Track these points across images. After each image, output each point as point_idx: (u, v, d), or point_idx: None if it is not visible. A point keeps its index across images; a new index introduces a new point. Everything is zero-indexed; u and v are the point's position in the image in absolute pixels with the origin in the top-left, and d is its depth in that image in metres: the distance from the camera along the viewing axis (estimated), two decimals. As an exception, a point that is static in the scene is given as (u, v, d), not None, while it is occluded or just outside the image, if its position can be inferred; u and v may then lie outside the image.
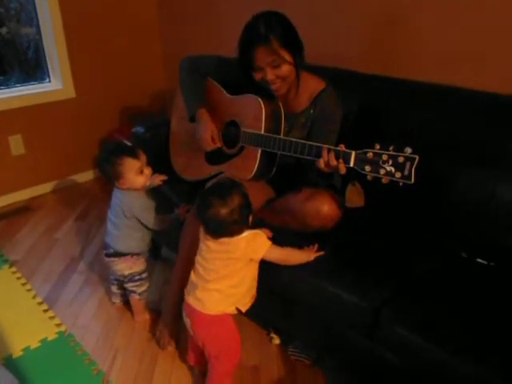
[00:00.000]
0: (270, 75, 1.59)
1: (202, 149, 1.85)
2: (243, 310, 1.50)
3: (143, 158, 1.76)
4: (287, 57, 1.57)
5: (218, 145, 1.83)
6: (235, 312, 1.49)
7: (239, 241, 1.39)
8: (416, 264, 1.54)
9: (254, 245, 1.40)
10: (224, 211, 1.33)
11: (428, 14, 1.86)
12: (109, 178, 1.75)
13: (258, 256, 1.42)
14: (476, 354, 1.20)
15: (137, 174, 1.73)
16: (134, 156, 1.73)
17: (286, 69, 1.59)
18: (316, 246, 1.55)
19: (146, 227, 1.82)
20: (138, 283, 1.89)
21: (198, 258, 1.48)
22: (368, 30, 2.09)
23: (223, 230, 1.38)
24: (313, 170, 1.53)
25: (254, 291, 1.52)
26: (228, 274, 1.42)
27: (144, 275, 1.91)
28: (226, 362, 1.51)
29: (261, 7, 1.60)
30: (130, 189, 1.76)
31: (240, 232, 1.39)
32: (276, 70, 1.59)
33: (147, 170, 1.77)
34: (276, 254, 1.45)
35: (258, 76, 1.63)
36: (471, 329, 1.27)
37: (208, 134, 1.79)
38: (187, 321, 1.52)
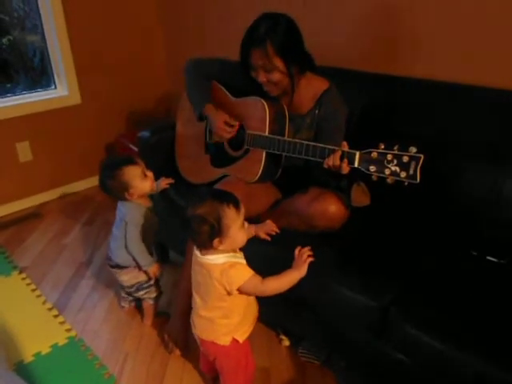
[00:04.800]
0: (262, 77, 1.62)
1: (223, 140, 1.84)
2: (240, 340, 1.40)
3: (141, 162, 1.76)
4: (280, 65, 1.58)
5: (236, 126, 1.78)
6: (227, 343, 1.38)
7: (214, 267, 1.29)
8: (425, 262, 1.54)
9: (227, 277, 1.27)
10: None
11: (432, 9, 1.85)
12: (116, 193, 1.74)
13: (232, 288, 1.28)
14: (487, 352, 1.20)
15: (142, 180, 1.73)
16: (133, 162, 1.73)
17: (277, 76, 1.61)
18: (306, 249, 1.37)
19: (125, 243, 1.77)
20: (147, 290, 1.89)
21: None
22: (370, 28, 2.08)
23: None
24: (323, 171, 1.52)
25: (252, 318, 1.44)
26: (212, 303, 1.34)
27: (152, 281, 1.89)
28: (234, 380, 1.49)
29: (263, 10, 1.60)
30: (138, 199, 1.76)
31: (196, 243, 1.32)
32: (268, 74, 1.61)
33: (149, 173, 1.77)
34: (256, 287, 1.30)
35: (253, 74, 1.66)
36: (482, 327, 1.26)
37: (221, 122, 1.77)
38: (195, 333, 1.47)
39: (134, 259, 1.79)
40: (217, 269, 1.28)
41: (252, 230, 1.53)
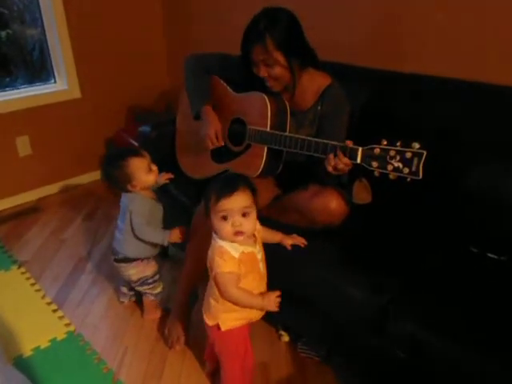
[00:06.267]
0: (263, 72, 1.62)
1: (205, 146, 1.84)
2: (222, 328, 1.39)
3: (147, 155, 1.76)
4: (281, 59, 1.58)
5: (221, 143, 1.81)
6: (210, 324, 1.41)
7: (212, 247, 1.34)
8: (425, 259, 1.54)
9: (212, 260, 1.31)
10: None
11: (437, 5, 1.84)
12: (119, 184, 1.74)
13: (214, 271, 1.31)
14: (486, 350, 1.19)
15: (146, 173, 1.73)
16: (139, 155, 1.73)
17: (278, 70, 1.61)
18: (277, 293, 1.38)
19: (133, 232, 1.76)
20: (151, 285, 1.89)
21: None
22: (373, 23, 2.07)
23: None
24: (324, 167, 1.50)
25: (245, 313, 1.40)
26: (211, 279, 1.37)
27: (157, 277, 1.90)
28: (230, 368, 1.49)
29: (263, 5, 1.59)
30: (140, 191, 1.76)
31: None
32: (269, 68, 1.61)
33: (154, 167, 1.77)
34: (227, 283, 1.31)
35: (254, 70, 1.65)
36: (482, 324, 1.26)
37: (212, 131, 1.78)
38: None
39: (150, 243, 1.78)
40: (213, 249, 1.33)
41: (278, 237, 1.56)
